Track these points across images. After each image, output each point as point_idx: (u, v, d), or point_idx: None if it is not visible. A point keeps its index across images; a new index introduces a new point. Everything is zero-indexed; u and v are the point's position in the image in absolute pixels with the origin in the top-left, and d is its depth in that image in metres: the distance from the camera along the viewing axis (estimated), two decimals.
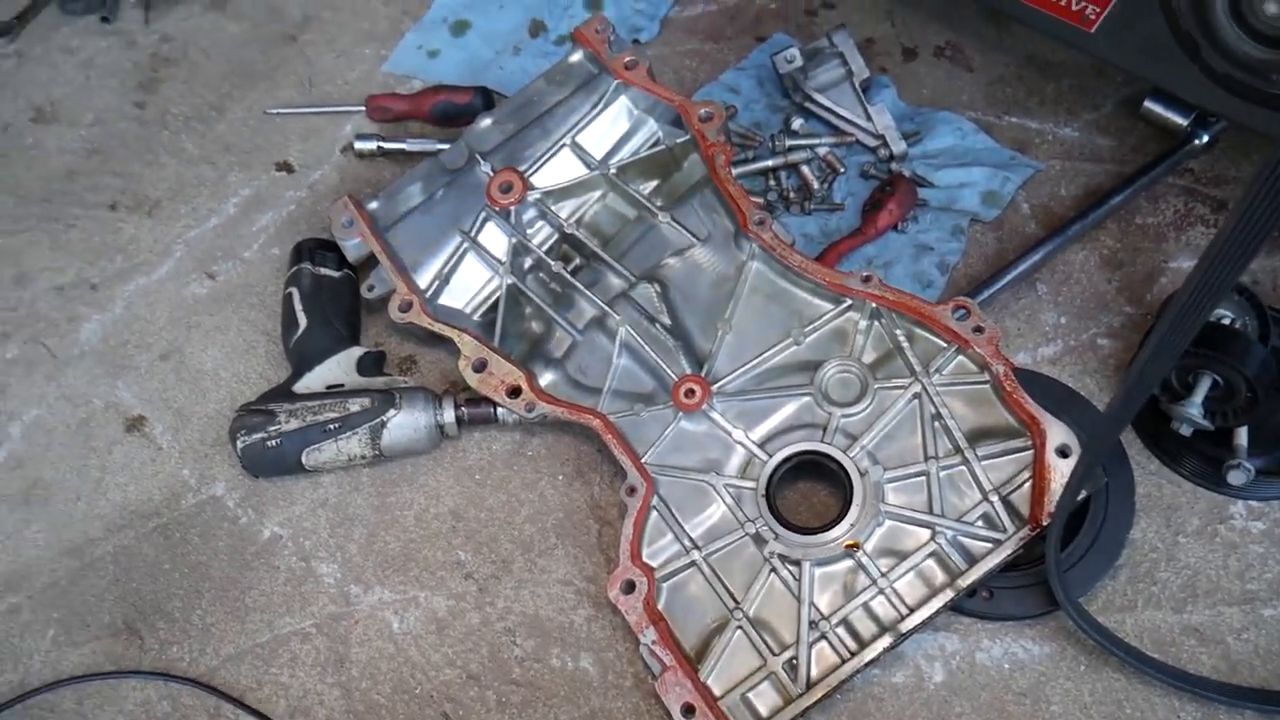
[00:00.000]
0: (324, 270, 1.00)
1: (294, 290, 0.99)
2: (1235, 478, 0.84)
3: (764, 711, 0.79)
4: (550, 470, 0.94)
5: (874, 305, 0.89)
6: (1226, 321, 0.88)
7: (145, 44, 1.26)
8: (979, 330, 0.86)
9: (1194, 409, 0.85)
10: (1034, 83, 1.12)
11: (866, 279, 0.89)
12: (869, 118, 1.07)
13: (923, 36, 1.16)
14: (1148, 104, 1.03)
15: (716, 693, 0.79)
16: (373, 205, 1.01)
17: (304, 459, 0.92)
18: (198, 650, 0.88)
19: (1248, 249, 0.54)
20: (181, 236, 1.11)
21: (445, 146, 1.07)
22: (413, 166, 1.05)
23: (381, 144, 1.13)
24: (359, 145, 1.13)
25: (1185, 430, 0.87)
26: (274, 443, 0.91)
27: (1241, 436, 0.86)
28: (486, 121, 1.03)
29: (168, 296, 1.07)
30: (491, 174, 0.99)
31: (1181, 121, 1.02)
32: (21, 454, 1.00)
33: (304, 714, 0.85)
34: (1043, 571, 0.80)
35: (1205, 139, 1.02)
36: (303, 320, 0.97)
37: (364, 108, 1.15)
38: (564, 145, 1.02)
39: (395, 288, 0.96)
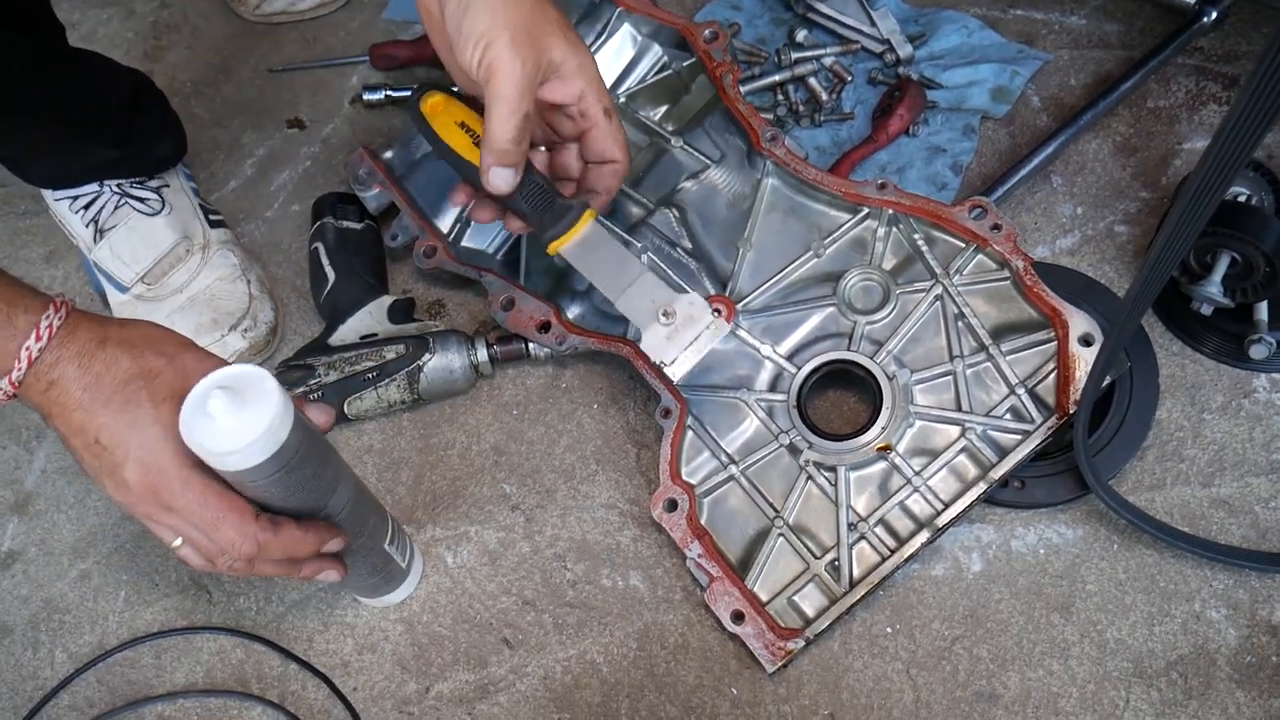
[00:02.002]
0: (346, 223, 1.01)
1: (319, 245, 1.01)
2: (1257, 352, 0.86)
3: (810, 612, 0.82)
4: (585, 400, 0.97)
5: (891, 212, 0.90)
6: (1242, 198, 0.89)
7: (144, 12, 1.27)
8: (996, 228, 0.87)
9: (1213, 288, 0.86)
10: None
11: (882, 186, 0.90)
12: (873, 23, 1.07)
13: None
14: None
15: (763, 598, 0.83)
16: (388, 155, 1.02)
17: (346, 409, 0.95)
18: (263, 600, 0.92)
19: (1261, 123, 0.54)
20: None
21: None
22: None
23: (389, 92, 1.13)
24: (367, 96, 1.14)
25: (1206, 310, 0.88)
26: (316, 395, 0.94)
27: (1262, 311, 0.87)
28: None
29: None
30: None
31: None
32: None
33: (371, 650, 0.88)
34: (1072, 458, 0.82)
35: (1213, 15, 1.01)
36: (331, 274, 0.99)
37: (368, 57, 1.15)
38: None
39: (418, 234, 0.98)
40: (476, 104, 0.79)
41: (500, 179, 0.77)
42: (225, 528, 0.69)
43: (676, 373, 0.81)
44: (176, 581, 0.94)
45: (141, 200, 1.01)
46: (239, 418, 0.67)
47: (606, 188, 0.85)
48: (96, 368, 0.67)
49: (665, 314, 0.80)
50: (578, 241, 0.81)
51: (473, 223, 1.00)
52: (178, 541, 0.71)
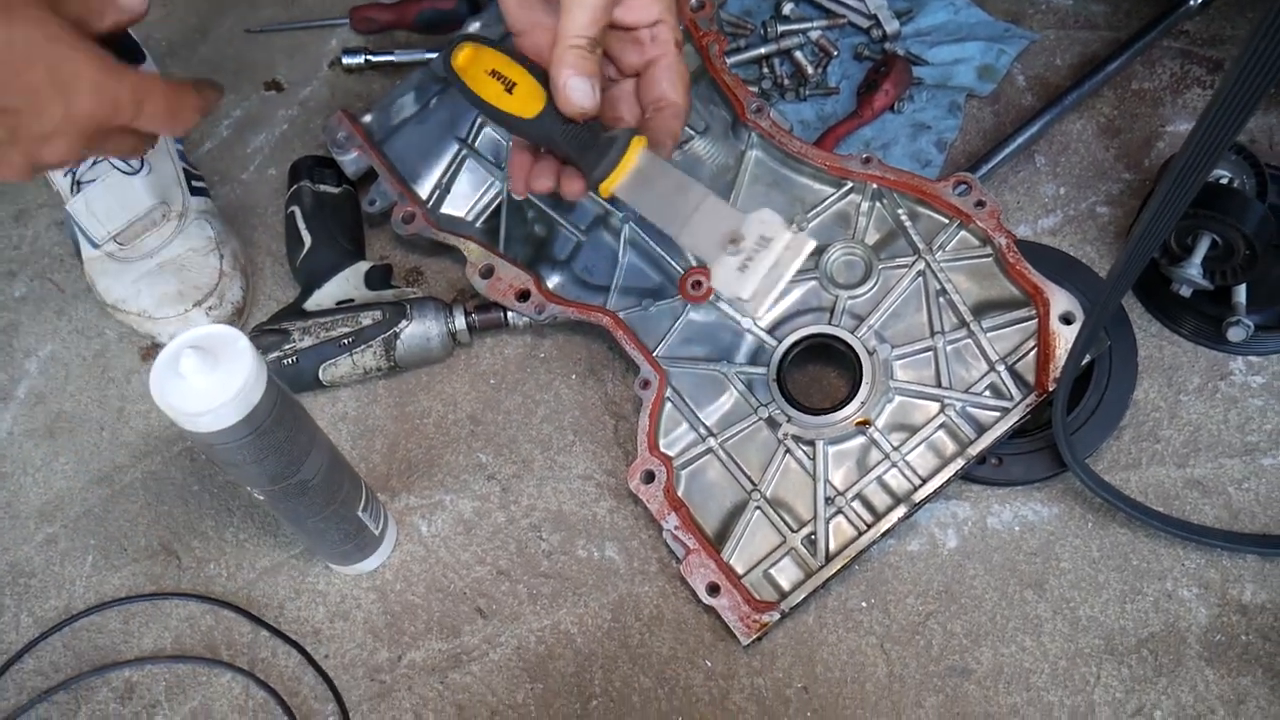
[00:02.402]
0: (323, 187, 1.00)
1: (295, 209, 0.99)
2: (1235, 334, 0.86)
3: (786, 585, 0.82)
4: (563, 370, 0.96)
5: (875, 186, 0.89)
6: (1224, 181, 0.89)
7: None
8: (980, 204, 0.87)
9: (1193, 269, 0.86)
10: None
11: (866, 160, 0.89)
12: None
13: None
14: None
15: (739, 571, 0.82)
16: (367, 119, 1.01)
17: (321, 375, 0.94)
18: (234, 565, 0.91)
19: (1245, 107, 0.54)
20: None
21: (434, 56, 1.06)
22: (403, 77, 1.04)
23: (369, 56, 1.12)
24: (346, 60, 1.12)
25: (1185, 291, 0.88)
26: (290, 360, 0.93)
27: (1240, 294, 0.87)
28: (475, 26, 1.01)
29: None
30: None
31: None
32: (41, 389, 1.01)
33: (343, 618, 0.88)
34: (1049, 436, 0.82)
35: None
36: (307, 238, 0.98)
37: (348, 20, 1.13)
38: None
39: (396, 200, 0.96)
40: (508, 49, 0.72)
41: (579, 92, 0.67)
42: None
43: (756, 309, 0.68)
44: (145, 547, 0.93)
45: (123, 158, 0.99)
46: (210, 378, 0.66)
47: (671, 132, 0.74)
48: None
49: (734, 240, 0.67)
50: (631, 175, 0.69)
51: (451, 190, 0.98)
52: None
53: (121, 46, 1.03)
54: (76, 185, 0.99)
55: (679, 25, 0.74)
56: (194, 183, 1.03)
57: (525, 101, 0.69)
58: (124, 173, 0.99)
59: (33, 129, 0.68)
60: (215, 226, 1.01)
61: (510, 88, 0.70)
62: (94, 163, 0.99)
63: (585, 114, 0.69)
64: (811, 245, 0.67)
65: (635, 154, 0.69)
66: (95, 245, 1.00)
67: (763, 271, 0.66)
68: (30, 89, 0.66)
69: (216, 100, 0.76)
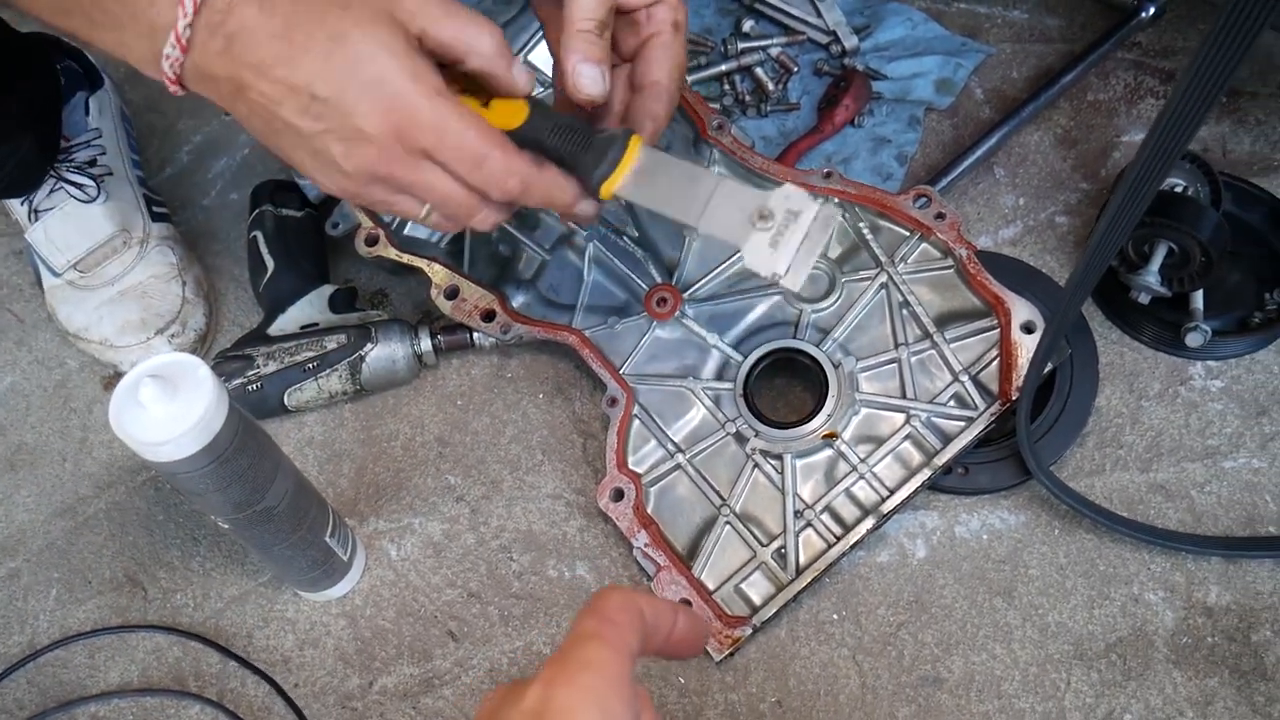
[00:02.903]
0: (286, 211, 0.99)
1: (258, 234, 0.98)
2: (1193, 339, 0.87)
3: (757, 600, 0.82)
4: (530, 390, 0.96)
5: (837, 200, 0.90)
6: (1179, 189, 0.90)
7: None
8: (941, 217, 0.87)
9: (1151, 277, 0.87)
10: None
11: (828, 175, 0.90)
12: (819, 14, 1.07)
13: None
14: None
15: (710, 586, 0.82)
16: None
17: (286, 400, 0.93)
18: (201, 595, 0.90)
19: (1196, 115, 0.55)
20: None
21: None
22: None
23: None
24: None
25: (1144, 299, 0.89)
26: (255, 386, 0.92)
27: (1198, 300, 0.89)
28: None
29: None
30: None
31: None
32: (1, 421, 1.00)
33: (312, 645, 0.87)
34: (1014, 444, 0.83)
35: (1151, 11, 1.03)
36: (270, 263, 0.97)
37: None
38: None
39: (359, 222, 0.96)
40: (462, 74, 0.66)
41: (588, 79, 0.64)
42: (493, 160, 0.59)
43: (795, 282, 0.65)
44: (110, 579, 0.91)
45: (78, 186, 0.98)
46: (170, 407, 0.65)
47: (655, 115, 0.69)
48: (281, 7, 0.54)
49: (761, 216, 0.64)
50: (634, 172, 0.66)
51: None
52: (425, 209, 0.62)
53: (71, 71, 1.02)
54: (35, 214, 0.98)
55: (683, 6, 0.69)
56: (155, 208, 1.02)
57: (505, 114, 0.65)
58: (81, 201, 0.98)
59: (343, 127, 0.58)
60: (177, 253, 1.00)
61: (486, 103, 0.65)
62: (50, 190, 0.98)
63: (594, 102, 0.66)
64: (837, 215, 0.65)
65: (635, 151, 0.66)
66: (56, 274, 0.99)
67: (796, 244, 0.64)
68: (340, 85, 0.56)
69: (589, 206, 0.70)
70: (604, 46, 0.65)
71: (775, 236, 0.64)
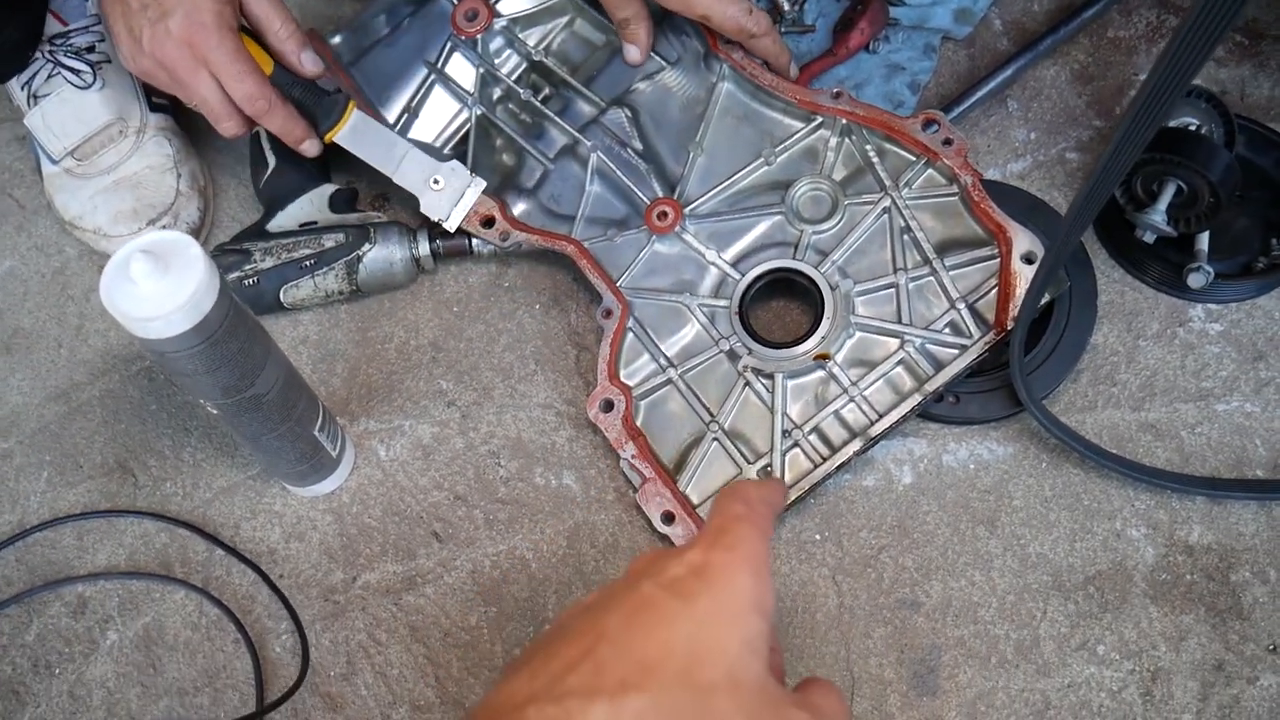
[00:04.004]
0: None
1: (260, 129, 0.97)
2: (1195, 280, 0.87)
3: None
4: (527, 300, 0.95)
5: (844, 121, 0.89)
6: (1193, 128, 0.89)
7: None
8: (948, 142, 0.86)
9: (1158, 215, 0.86)
10: None
11: (837, 95, 0.89)
12: None
13: None
14: None
15: (694, 501, 0.83)
16: (336, 40, 0.99)
17: (282, 296, 0.93)
18: (190, 485, 0.91)
19: (1210, 38, 0.54)
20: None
21: None
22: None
23: None
24: None
25: (1149, 238, 0.88)
26: (251, 281, 0.92)
27: (1203, 241, 0.88)
28: None
29: None
30: (456, 1, 0.97)
31: None
32: None
33: (298, 539, 0.88)
34: (1007, 376, 0.83)
35: None
36: (271, 159, 0.96)
37: None
38: None
39: None
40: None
41: (308, 59, 0.91)
42: (249, 80, 0.85)
43: (452, 224, 0.92)
44: (101, 464, 0.92)
45: (74, 72, 0.97)
46: (161, 283, 0.65)
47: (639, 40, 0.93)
48: None
49: (435, 181, 0.91)
50: (349, 129, 0.92)
51: (420, 115, 0.97)
52: (193, 104, 0.87)
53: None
54: (33, 99, 0.97)
55: None
56: (154, 99, 1.01)
57: (265, 62, 0.89)
58: (78, 87, 0.97)
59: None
60: (174, 144, 0.99)
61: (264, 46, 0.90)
62: (49, 76, 0.97)
63: (318, 77, 0.92)
64: (484, 185, 0.92)
65: (351, 113, 0.92)
66: (54, 161, 0.98)
67: (454, 201, 0.92)
68: None
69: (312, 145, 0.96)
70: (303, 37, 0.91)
71: (442, 195, 0.92)
